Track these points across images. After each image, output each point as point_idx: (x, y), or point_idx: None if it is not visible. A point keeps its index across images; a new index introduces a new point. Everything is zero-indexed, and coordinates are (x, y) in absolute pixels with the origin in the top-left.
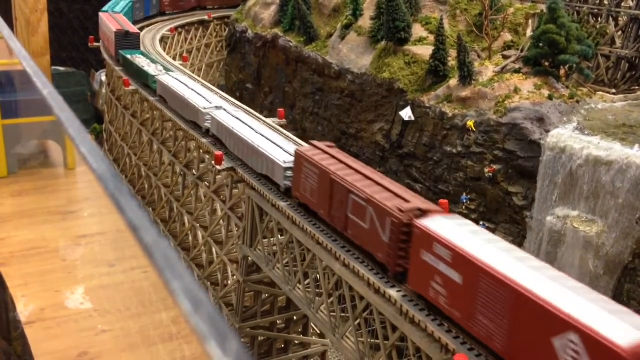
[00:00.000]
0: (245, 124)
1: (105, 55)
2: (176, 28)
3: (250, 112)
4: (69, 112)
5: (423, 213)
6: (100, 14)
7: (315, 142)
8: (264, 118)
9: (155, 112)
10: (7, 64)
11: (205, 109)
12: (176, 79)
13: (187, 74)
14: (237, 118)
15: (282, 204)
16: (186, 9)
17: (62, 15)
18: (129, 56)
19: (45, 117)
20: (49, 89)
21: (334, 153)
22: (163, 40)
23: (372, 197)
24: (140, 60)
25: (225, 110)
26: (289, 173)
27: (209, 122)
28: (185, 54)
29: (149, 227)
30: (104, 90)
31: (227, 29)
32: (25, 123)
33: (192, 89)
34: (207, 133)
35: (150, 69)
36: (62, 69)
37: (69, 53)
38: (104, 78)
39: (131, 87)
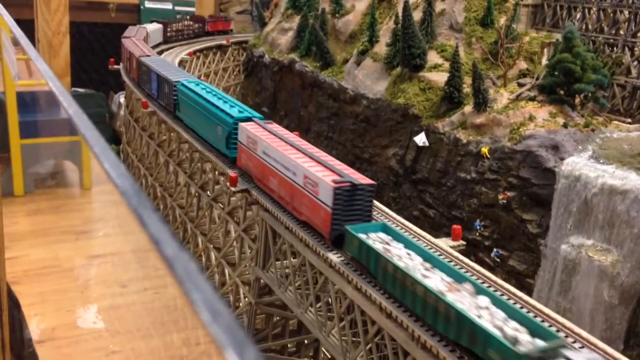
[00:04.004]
0: None
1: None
2: (195, 52)
3: None
4: (93, 130)
5: None
6: (242, 124)
7: None
8: None
9: (172, 134)
10: (31, 85)
11: None
12: None
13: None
14: None
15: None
16: None
17: (82, 38)
18: (369, 240)
19: (63, 138)
20: (75, 108)
21: None
22: (182, 63)
23: None
24: (399, 253)
25: None
26: None
27: None
28: (203, 77)
29: (170, 240)
30: (122, 112)
31: (244, 54)
32: (44, 143)
33: None
34: None
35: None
36: (81, 90)
37: (88, 75)
38: (122, 100)
39: (149, 109)
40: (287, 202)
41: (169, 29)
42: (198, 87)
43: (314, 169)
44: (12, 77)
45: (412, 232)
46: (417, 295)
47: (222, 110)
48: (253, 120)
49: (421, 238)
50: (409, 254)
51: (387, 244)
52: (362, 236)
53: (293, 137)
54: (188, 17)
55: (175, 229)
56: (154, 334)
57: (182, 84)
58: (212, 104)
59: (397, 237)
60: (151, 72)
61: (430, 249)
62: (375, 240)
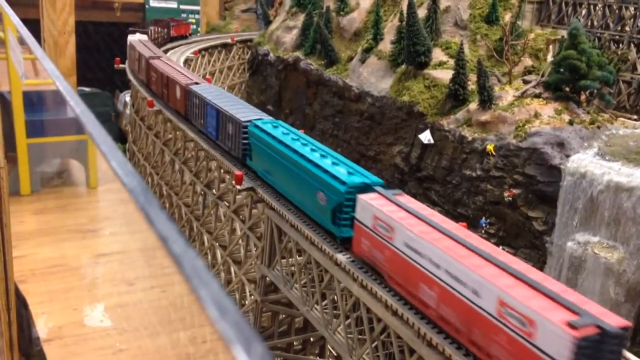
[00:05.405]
0: None
1: None
2: (200, 50)
3: None
4: (100, 129)
5: None
6: (364, 197)
7: None
8: None
9: (177, 132)
10: (38, 84)
11: None
12: None
13: None
14: None
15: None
16: None
17: (88, 37)
18: None
19: (69, 137)
20: (82, 107)
21: None
22: (187, 62)
23: None
24: None
25: None
26: None
27: None
28: (208, 76)
29: (177, 237)
30: (127, 111)
31: (249, 52)
32: (50, 142)
33: None
34: None
35: None
36: (87, 89)
37: (94, 74)
38: (127, 99)
39: (155, 108)
40: (456, 328)
41: (150, 37)
42: (277, 130)
43: (518, 292)
44: (18, 76)
45: None
46: None
47: (325, 171)
48: (376, 191)
49: None
50: None
51: None
52: None
53: (450, 223)
54: (153, 20)
55: (181, 228)
56: (161, 332)
57: (255, 125)
58: (306, 159)
59: None
60: (207, 106)
61: None
62: None
